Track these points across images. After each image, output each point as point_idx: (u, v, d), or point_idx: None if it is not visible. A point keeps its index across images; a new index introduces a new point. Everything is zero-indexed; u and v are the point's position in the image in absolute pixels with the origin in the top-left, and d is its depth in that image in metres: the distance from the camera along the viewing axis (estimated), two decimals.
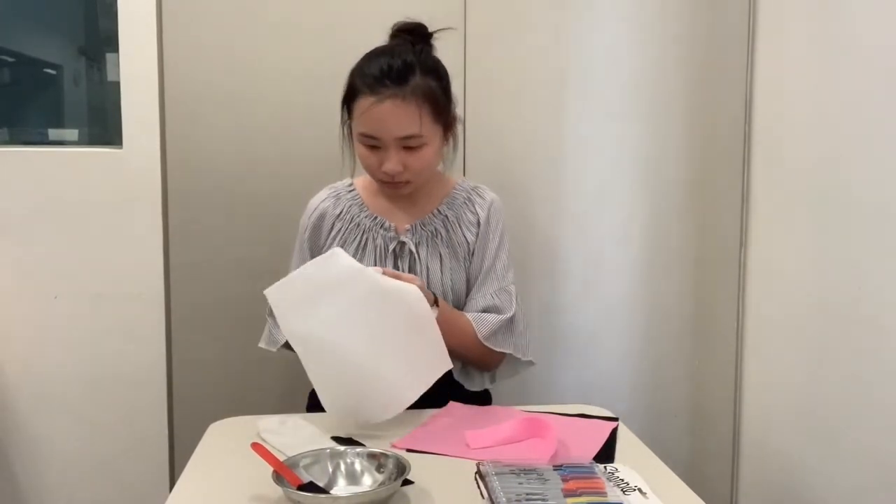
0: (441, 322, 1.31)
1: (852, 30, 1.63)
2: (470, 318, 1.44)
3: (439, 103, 1.41)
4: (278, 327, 1.37)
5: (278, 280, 1.29)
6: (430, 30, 1.45)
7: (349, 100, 1.43)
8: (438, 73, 1.43)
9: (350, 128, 1.46)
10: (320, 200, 1.54)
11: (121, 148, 1.83)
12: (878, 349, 1.55)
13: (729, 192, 1.96)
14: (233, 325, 1.85)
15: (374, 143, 1.40)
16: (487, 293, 1.48)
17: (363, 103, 1.38)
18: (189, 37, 1.80)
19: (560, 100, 1.91)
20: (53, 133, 2.01)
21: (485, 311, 1.46)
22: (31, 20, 2.02)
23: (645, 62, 1.92)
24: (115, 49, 1.81)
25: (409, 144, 1.39)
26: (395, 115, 1.36)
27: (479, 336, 1.43)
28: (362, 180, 1.55)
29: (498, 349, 1.45)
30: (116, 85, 1.82)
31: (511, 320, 1.47)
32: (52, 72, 2.06)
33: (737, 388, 2.00)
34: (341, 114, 1.47)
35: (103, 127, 1.95)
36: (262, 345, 1.53)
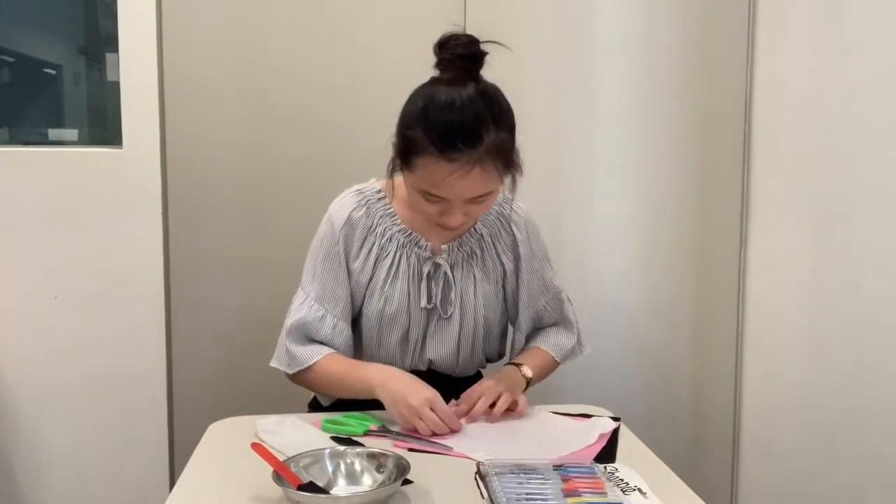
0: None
1: (852, 29, 1.63)
2: (546, 349, 1.49)
3: (510, 155, 1.27)
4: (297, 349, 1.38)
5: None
6: (481, 40, 1.27)
7: (408, 152, 1.26)
8: (508, 121, 1.28)
9: (399, 164, 1.30)
10: (350, 209, 1.38)
11: (121, 148, 1.83)
12: (877, 348, 1.55)
13: (729, 192, 1.96)
14: (233, 325, 1.85)
15: (437, 199, 1.27)
16: (541, 303, 1.51)
17: (431, 166, 1.23)
18: (189, 36, 1.80)
19: (560, 99, 1.91)
20: (53, 133, 2.00)
21: (553, 325, 1.53)
22: (31, 20, 2.01)
23: (645, 62, 1.92)
24: (115, 49, 1.81)
25: (477, 200, 1.28)
26: (469, 182, 1.23)
27: (557, 360, 1.51)
28: (393, 186, 1.38)
29: (569, 361, 1.54)
30: (116, 85, 1.82)
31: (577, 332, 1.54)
32: (52, 72, 2.05)
33: (737, 388, 2.00)
34: (394, 157, 1.30)
35: (103, 127, 1.94)
36: (276, 365, 1.42)
